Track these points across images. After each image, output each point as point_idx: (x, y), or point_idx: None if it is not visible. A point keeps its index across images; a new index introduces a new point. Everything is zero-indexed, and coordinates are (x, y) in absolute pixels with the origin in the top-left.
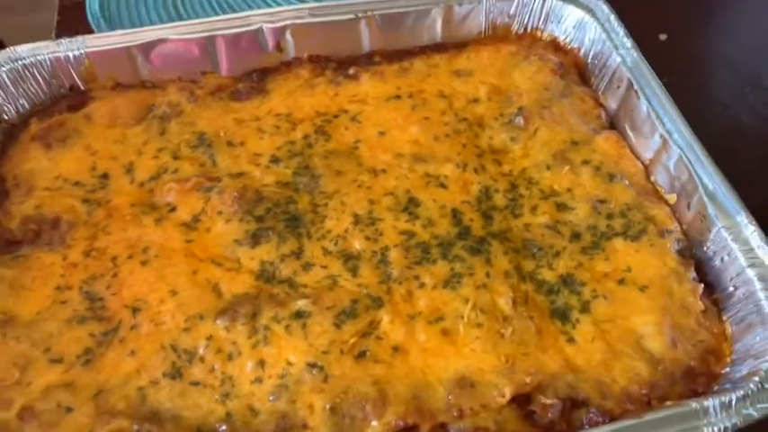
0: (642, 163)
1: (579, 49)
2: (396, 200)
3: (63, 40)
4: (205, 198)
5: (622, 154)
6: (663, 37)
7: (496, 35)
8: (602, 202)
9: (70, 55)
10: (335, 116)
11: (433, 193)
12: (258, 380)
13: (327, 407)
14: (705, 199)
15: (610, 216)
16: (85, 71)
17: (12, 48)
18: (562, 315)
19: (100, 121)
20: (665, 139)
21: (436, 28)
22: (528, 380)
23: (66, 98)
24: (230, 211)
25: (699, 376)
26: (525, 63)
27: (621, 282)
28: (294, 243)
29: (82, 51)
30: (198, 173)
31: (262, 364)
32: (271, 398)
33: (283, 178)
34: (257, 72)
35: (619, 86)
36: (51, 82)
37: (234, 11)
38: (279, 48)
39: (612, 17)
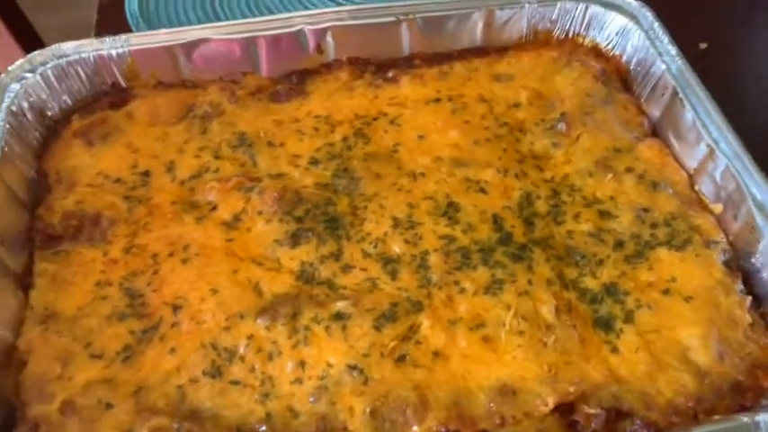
0: (686, 172)
1: (621, 56)
2: (435, 204)
3: (107, 38)
4: (246, 198)
5: (666, 162)
6: (703, 46)
7: (537, 40)
8: (645, 210)
9: (113, 53)
10: (374, 119)
11: (473, 198)
12: (298, 380)
13: (368, 410)
14: (754, 210)
15: (654, 225)
16: (128, 69)
17: (57, 45)
18: (605, 324)
19: (141, 119)
20: (712, 149)
21: (477, 32)
22: (571, 389)
23: (107, 95)
24: (270, 211)
25: (747, 390)
26: (567, 69)
27: (666, 292)
28: (333, 245)
29: (125, 49)
30: (238, 173)
31: (302, 364)
32: (311, 399)
33: (322, 180)
34: (297, 74)
35: (663, 94)
36: (94, 79)
37: (270, 12)
38: (319, 49)
39: (656, 24)
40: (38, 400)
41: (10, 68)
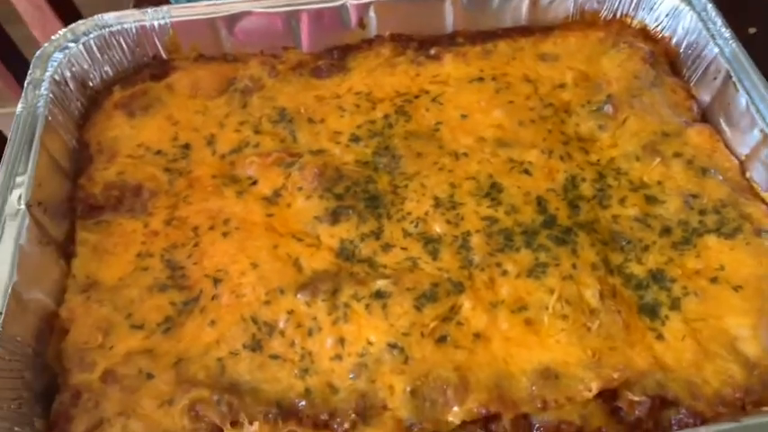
0: (737, 158)
1: (671, 39)
2: (478, 184)
3: (148, 10)
4: (286, 173)
5: (716, 148)
6: (752, 30)
7: (584, 20)
8: (694, 196)
9: (155, 24)
10: (416, 97)
11: (516, 179)
12: (338, 357)
13: (408, 389)
14: None
15: (702, 212)
16: (169, 41)
17: (99, 15)
18: (651, 311)
19: (182, 91)
20: (766, 135)
21: (522, 10)
22: (615, 375)
23: (149, 67)
24: (310, 187)
25: None
26: (614, 50)
27: (714, 280)
28: (374, 223)
29: (167, 21)
30: (279, 148)
31: (341, 341)
32: (350, 376)
33: (363, 157)
34: (338, 49)
35: (715, 78)
36: (135, 50)
37: None
38: (361, 25)
39: (710, 6)
40: (79, 369)
41: (53, 38)
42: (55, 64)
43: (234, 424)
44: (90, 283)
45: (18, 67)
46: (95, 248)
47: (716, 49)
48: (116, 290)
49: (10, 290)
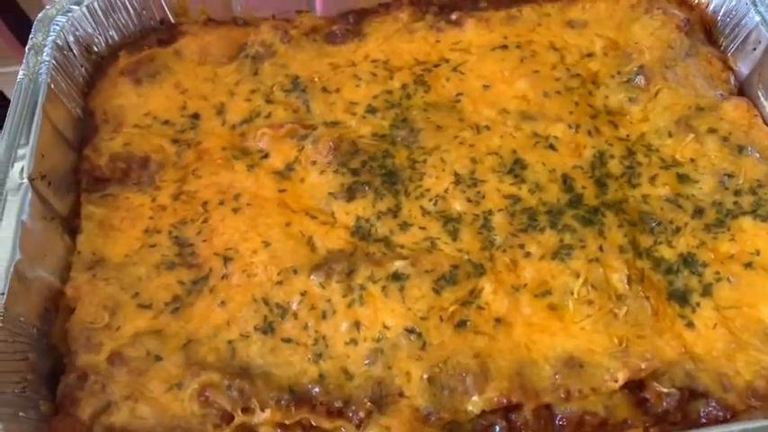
0: None
1: (707, 5)
2: (500, 160)
3: None
4: (299, 146)
5: (753, 124)
6: None
7: None
8: (729, 176)
9: None
10: (436, 65)
11: (541, 155)
12: (353, 341)
13: (425, 376)
14: None
15: (737, 192)
16: (177, 4)
17: None
18: (681, 297)
19: (190, 57)
20: None
21: None
22: (643, 365)
23: (156, 32)
24: (325, 161)
25: None
26: (647, 17)
27: (749, 266)
28: (391, 200)
29: None
30: (291, 119)
31: (357, 325)
32: (366, 362)
33: (380, 130)
34: (353, 14)
35: (755, 48)
36: (142, 14)
37: None
38: None
39: None
40: (85, 349)
41: (55, 0)
42: (57, 28)
43: (245, 410)
44: (96, 259)
45: (20, 25)
46: (101, 223)
47: (757, 17)
48: (123, 267)
49: (12, 268)
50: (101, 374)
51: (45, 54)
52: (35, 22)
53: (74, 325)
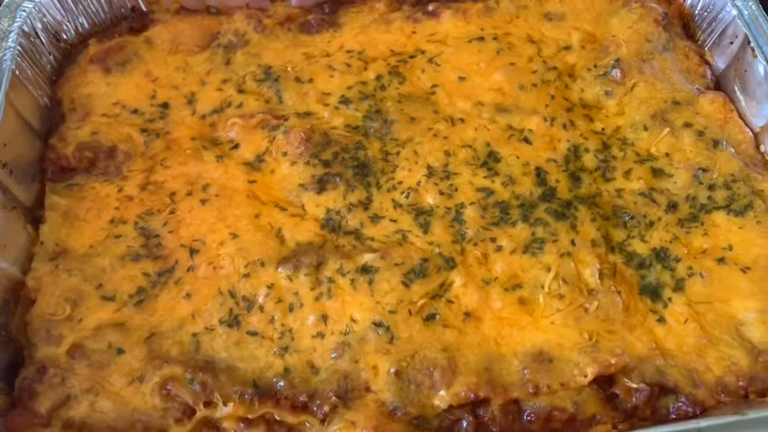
0: (752, 130)
1: None
2: (474, 153)
3: None
4: (270, 137)
5: (729, 119)
6: None
7: None
8: (703, 170)
9: None
10: (411, 56)
11: (515, 148)
12: (320, 335)
13: (392, 370)
14: None
15: (711, 187)
16: None
17: None
18: (653, 292)
19: (162, 46)
20: None
21: None
22: (613, 360)
23: (127, 20)
24: (296, 152)
25: None
26: (625, 10)
27: (721, 261)
28: (362, 192)
29: None
30: (263, 109)
31: (324, 318)
32: (332, 355)
33: (353, 121)
34: (329, 3)
35: (731, 43)
36: (113, 1)
37: None
38: None
39: None
40: (45, 342)
41: None
42: (24, 14)
43: (207, 404)
44: (59, 250)
45: None
46: (66, 214)
47: (734, 11)
48: (86, 258)
49: None
50: (60, 367)
51: (10, 41)
52: (1, 8)
53: (34, 317)
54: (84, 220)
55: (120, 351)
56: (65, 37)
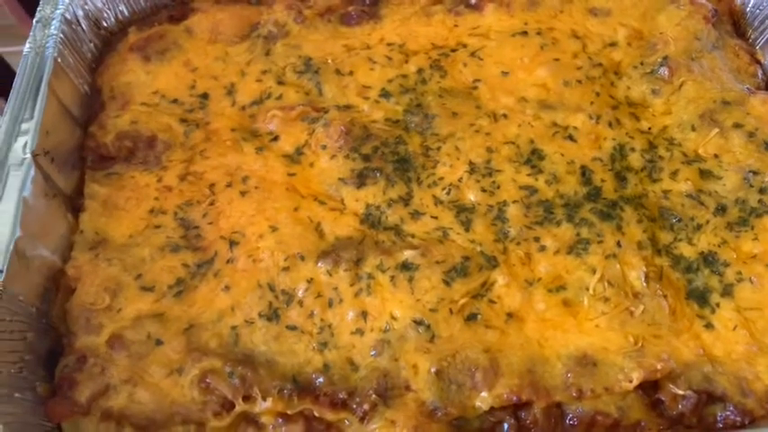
0: None
1: None
2: (517, 150)
3: None
4: (309, 129)
5: None
6: None
7: None
8: (754, 173)
9: None
10: (453, 50)
11: (559, 145)
12: (359, 331)
13: (433, 369)
14: None
15: (762, 190)
16: None
17: None
18: (700, 297)
19: (201, 35)
20: None
21: None
22: (659, 366)
23: (167, 8)
24: (335, 146)
25: None
26: (673, 7)
27: None
28: (402, 188)
29: None
30: (303, 101)
31: (364, 315)
32: (372, 353)
33: (393, 115)
34: None
35: None
36: None
37: None
38: None
39: None
40: (85, 331)
41: None
42: (66, 1)
43: (246, 399)
44: (99, 239)
45: (31, 1)
46: (105, 203)
47: None
48: (126, 248)
49: (12, 246)
50: (100, 357)
51: (53, 28)
52: None
53: (74, 306)
54: (124, 210)
55: (159, 342)
56: (105, 25)
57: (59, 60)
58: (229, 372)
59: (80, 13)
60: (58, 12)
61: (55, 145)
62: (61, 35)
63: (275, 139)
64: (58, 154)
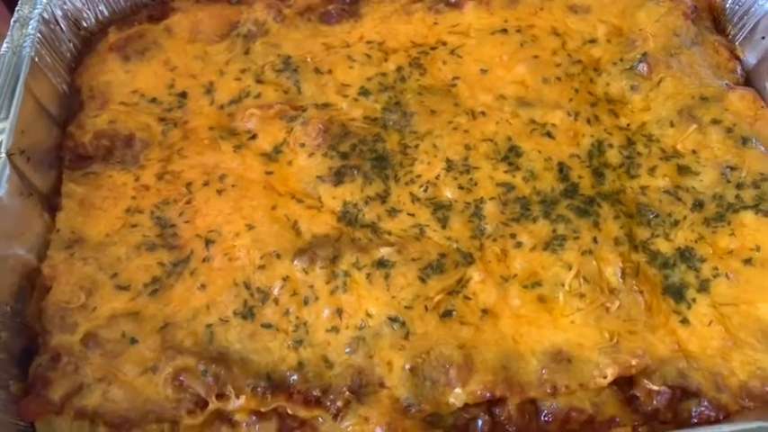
0: None
1: None
2: (495, 147)
3: None
4: (288, 128)
5: (759, 116)
6: None
7: None
8: (731, 168)
9: None
10: (433, 48)
11: (537, 142)
12: (334, 329)
13: (407, 366)
14: None
15: (740, 185)
16: None
17: None
18: (676, 292)
19: (181, 34)
20: None
21: None
22: (634, 362)
23: (147, 8)
24: (314, 144)
25: None
26: (653, 3)
27: (748, 262)
28: (380, 185)
29: None
30: (281, 100)
31: (339, 312)
32: (347, 350)
33: (372, 113)
34: None
35: (764, 38)
36: None
37: None
38: None
39: None
40: (60, 330)
41: None
42: (44, 1)
43: (220, 396)
44: (75, 238)
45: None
46: (82, 202)
47: (766, 5)
48: (102, 247)
49: None
50: (74, 356)
51: (30, 27)
52: None
53: (49, 304)
54: (101, 209)
55: (134, 341)
56: (85, 24)
57: (37, 60)
58: (203, 370)
59: (59, 12)
60: (36, 11)
61: (31, 144)
62: (39, 35)
63: (253, 137)
64: (34, 153)
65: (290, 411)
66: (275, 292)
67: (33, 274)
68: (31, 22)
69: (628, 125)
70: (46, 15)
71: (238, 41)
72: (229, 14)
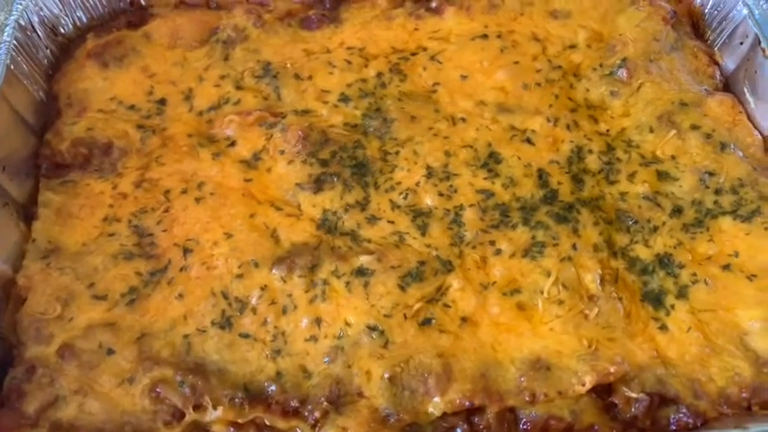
0: (761, 133)
1: None
2: (475, 153)
3: None
4: (267, 135)
5: (738, 121)
6: None
7: None
8: (710, 174)
9: None
10: (413, 54)
11: (517, 148)
12: (313, 338)
13: (386, 375)
14: None
15: (718, 191)
16: None
17: None
18: (655, 299)
19: (160, 41)
20: None
21: None
22: (612, 369)
23: (125, 14)
24: (293, 151)
25: None
26: (633, 8)
27: (726, 267)
28: (360, 192)
29: None
30: (261, 106)
31: (318, 321)
32: (325, 360)
33: (352, 120)
34: None
35: (741, 43)
36: None
37: None
38: None
39: None
40: (35, 341)
41: None
42: (20, 7)
43: (197, 408)
44: (51, 248)
45: None
46: (59, 211)
47: (744, 11)
48: (79, 257)
49: None
50: (50, 367)
51: (6, 34)
52: None
53: (24, 315)
54: (78, 218)
55: (111, 351)
56: (62, 31)
57: (12, 67)
58: (180, 381)
59: (35, 19)
60: (11, 18)
61: (7, 153)
62: (15, 42)
63: (232, 144)
64: (10, 162)
65: (267, 422)
66: (253, 301)
67: (8, 285)
68: (7, 28)
69: (607, 131)
70: (22, 22)
71: (218, 47)
72: (209, 20)
